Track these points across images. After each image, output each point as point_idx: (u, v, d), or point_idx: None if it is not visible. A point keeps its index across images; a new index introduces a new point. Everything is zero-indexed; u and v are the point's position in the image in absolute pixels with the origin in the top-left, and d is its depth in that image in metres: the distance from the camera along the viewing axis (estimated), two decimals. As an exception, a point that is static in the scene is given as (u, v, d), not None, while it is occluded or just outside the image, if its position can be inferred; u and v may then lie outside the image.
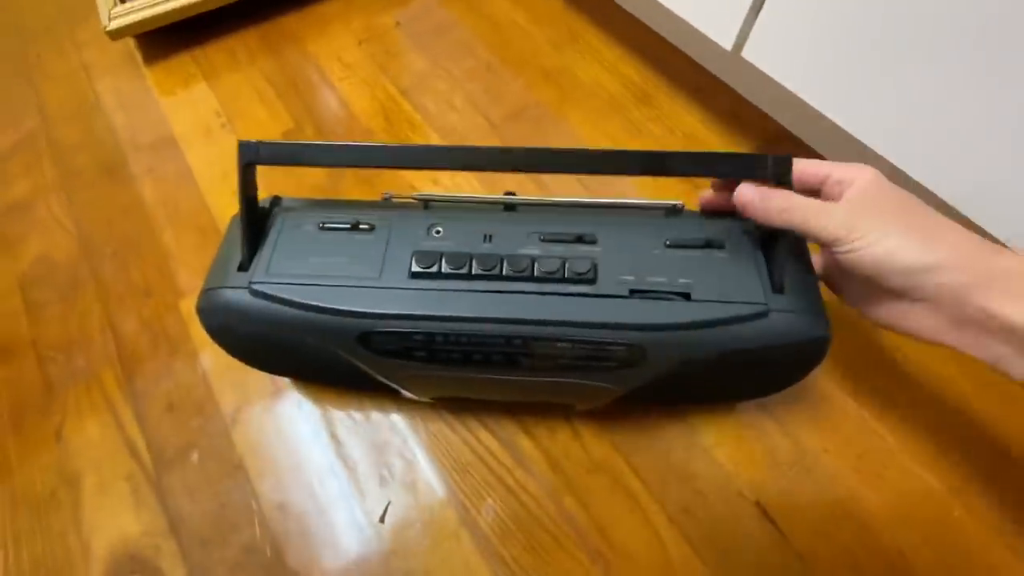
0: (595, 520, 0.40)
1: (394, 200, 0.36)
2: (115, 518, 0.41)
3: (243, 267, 0.32)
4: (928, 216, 0.28)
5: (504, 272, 0.30)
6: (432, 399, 0.42)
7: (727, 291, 0.30)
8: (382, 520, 0.40)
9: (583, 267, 0.30)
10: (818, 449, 0.41)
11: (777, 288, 0.30)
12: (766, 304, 0.29)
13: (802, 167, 0.31)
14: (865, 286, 0.30)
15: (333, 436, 0.43)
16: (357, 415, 0.44)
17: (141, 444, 0.44)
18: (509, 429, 0.43)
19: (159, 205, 0.57)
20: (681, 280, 0.30)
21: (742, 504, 0.40)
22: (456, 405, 0.44)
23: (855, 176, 0.29)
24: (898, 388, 0.44)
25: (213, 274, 0.34)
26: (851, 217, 0.28)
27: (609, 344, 0.30)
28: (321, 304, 0.31)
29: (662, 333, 0.29)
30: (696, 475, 0.41)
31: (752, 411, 0.43)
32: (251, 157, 0.31)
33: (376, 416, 0.44)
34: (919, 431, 0.42)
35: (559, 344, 0.30)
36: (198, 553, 0.39)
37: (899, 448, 0.41)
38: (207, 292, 0.33)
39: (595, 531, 0.39)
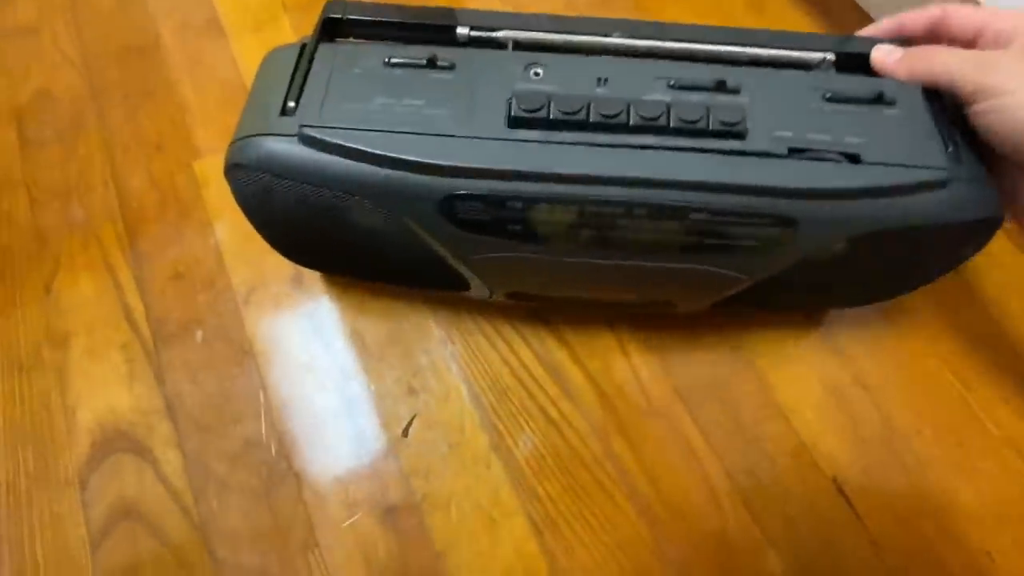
0: (646, 468, 0.35)
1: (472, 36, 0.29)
2: (105, 389, 0.36)
3: (287, 111, 0.26)
4: None
5: (631, 121, 0.24)
6: (505, 296, 0.34)
7: (903, 154, 0.25)
8: (405, 434, 0.35)
9: (732, 117, 0.24)
10: (911, 430, 0.36)
11: (952, 154, 0.25)
12: (947, 171, 0.24)
13: (954, 14, 0.27)
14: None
15: (357, 335, 0.38)
16: (387, 316, 0.39)
17: (140, 312, 0.38)
18: (558, 355, 0.38)
19: (179, 51, 0.49)
20: (848, 139, 0.25)
21: (816, 477, 0.35)
22: (500, 318, 0.38)
23: (1021, 25, 0.24)
24: (1016, 380, 0.38)
25: (247, 120, 0.27)
26: (1022, 66, 0.23)
27: (758, 215, 0.24)
28: (396, 155, 0.24)
29: (823, 203, 0.24)
30: (767, 437, 0.36)
31: (842, 376, 0.37)
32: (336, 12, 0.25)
33: (409, 320, 0.38)
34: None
35: (694, 215, 0.24)
36: (195, 439, 0.35)
37: (1005, 442, 0.36)
38: (240, 143, 0.26)
39: (645, 480, 0.34)
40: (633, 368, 0.37)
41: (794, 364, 0.38)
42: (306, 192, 0.26)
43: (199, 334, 0.37)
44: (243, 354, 0.37)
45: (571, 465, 0.35)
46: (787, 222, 0.25)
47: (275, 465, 0.34)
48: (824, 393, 0.37)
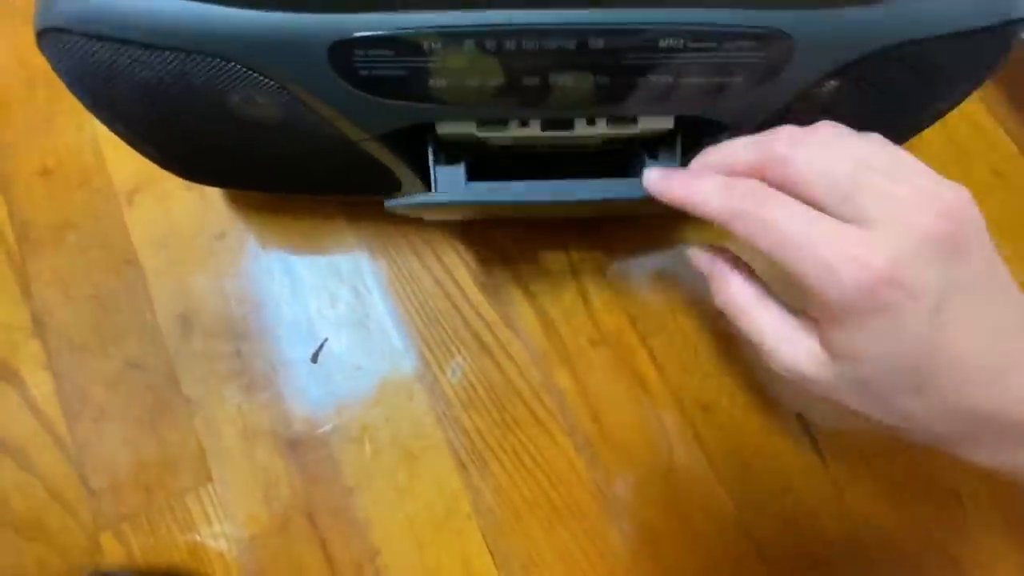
0: (589, 401, 0.31)
1: None
2: (-38, 300, 0.31)
3: None
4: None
5: None
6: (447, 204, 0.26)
7: None
8: (314, 359, 0.31)
9: None
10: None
11: None
12: None
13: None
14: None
15: (261, 245, 0.32)
16: (298, 224, 0.33)
17: (2, 212, 0.32)
18: (500, 276, 0.33)
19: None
20: None
21: (779, 414, 0.31)
22: (434, 232, 0.33)
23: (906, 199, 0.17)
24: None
25: None
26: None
27: (742, 35, 0.19)
28: None
29: (822, 11, 0.19)
30: (728, 372, 0.32)
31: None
32: None
33: (324, 230, 0.33)
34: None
35: (663, 40, 0.19)
36: (67, 359, 0.30)
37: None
38: None
39: (587, 414, 0.30)
40: (583, 292, 0.32)
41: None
42: (146, 59, 0.19)
43: (72, 238, 0.32)
44: (125, 264, 0.31)
45: (505, 397, 0.30)
46: (779, 40, 0.20)
47: (162, 390, 0.30)
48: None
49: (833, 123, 0.19)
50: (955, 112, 0.29)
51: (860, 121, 0.26)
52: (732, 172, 0.19)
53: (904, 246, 0.16)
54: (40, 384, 0.30)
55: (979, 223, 0.17)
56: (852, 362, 0.18)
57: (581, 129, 0.22)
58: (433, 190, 0.23)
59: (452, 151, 0.23)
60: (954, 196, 0.17)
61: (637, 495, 0.29)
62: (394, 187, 0.27)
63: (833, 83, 0.23)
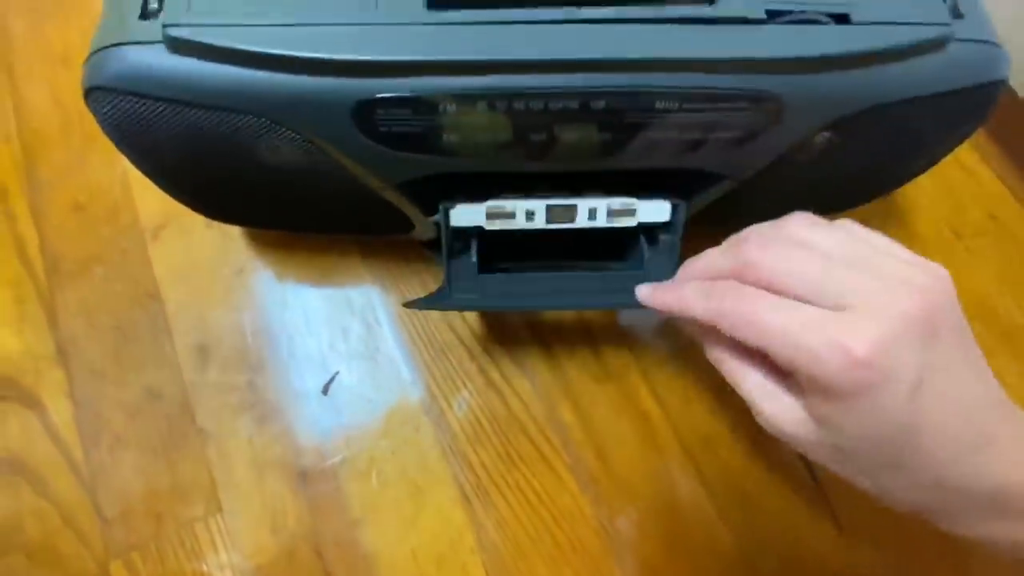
0: (593, 438, 0.31)
1: None
2: (-9, 329, 0.33)
3: (150, 12, 0.21)
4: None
5: None
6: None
7: (896, 10, 0.21)
8: (325, 392, 0.32)
9: None
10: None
11: (951, 6, 0.22)
12: (949, 26, 0.21)
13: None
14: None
15: (278, 281, 0.34)
16: (313, 260, 0.34)
17: (34, 246, 0.34)
18: (504, 312, 0.34)
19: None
20: None
21: (781, 451, 0.31)
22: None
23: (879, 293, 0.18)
24: (1000, 339, 0.34)
25: (103, 30, 0.22)
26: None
27: (735, 96, 0.20)
28: (290, 53, 0.19)
29: (810, 75, 0.20)
30: (730, 408, 0.32)
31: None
32: None
33: (339, 267, 0.34)
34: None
35: (660, 103, 0.20)
36: (89, 387, 0.31)
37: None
38: (95, 58, 0.21)
39: (591, 450, 0.31)
40: (587, 328, 0.33)
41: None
42: (183, 115, 0.21)
43: (99, 271, 0.33)
44: (148, 297, 0.33)
45: (509, 432, 0.31)
46: (770, 100, 0.21)
47: (177, 420, 0.31)
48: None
49: (802, 215, 0.20)
50: (950, 159, 0.31)
51: (855, 167, 0.28)
52: (714, 278, 0.20)
53: (884, 330, 0.17)
54: (61, 411, 0.31)
55: (953, 303, 0.18)
56: (835, 431, 0.18)
57: (582, 223, 0.25)
58: (447, 284, 0.26)
59: (464, 237, 0.26)
60: (928, 279, 0.18)
61: (640, 531, 0.30)
62: (407, 228, 0.29)
63: (826, 135, 0.24)
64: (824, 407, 0.18)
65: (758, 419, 0.21)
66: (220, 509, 0.29)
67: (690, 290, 0.21)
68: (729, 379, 0.21)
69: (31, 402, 0.31)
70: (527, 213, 0.24)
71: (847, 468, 0.19)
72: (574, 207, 0.24)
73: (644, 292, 0.23)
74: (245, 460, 0.30)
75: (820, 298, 0.18)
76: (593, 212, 0.24)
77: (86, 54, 0.22)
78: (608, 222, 0.25)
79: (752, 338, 0.19)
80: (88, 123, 0.37)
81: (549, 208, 0.24)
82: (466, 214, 0.24)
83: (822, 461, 0.20)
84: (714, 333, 0.22)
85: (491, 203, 0.24)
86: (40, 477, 0.30)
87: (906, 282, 0.17)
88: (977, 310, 0.34)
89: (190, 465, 0.30)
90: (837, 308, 0.17)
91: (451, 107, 0.20)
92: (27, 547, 0.29)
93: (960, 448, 0.18)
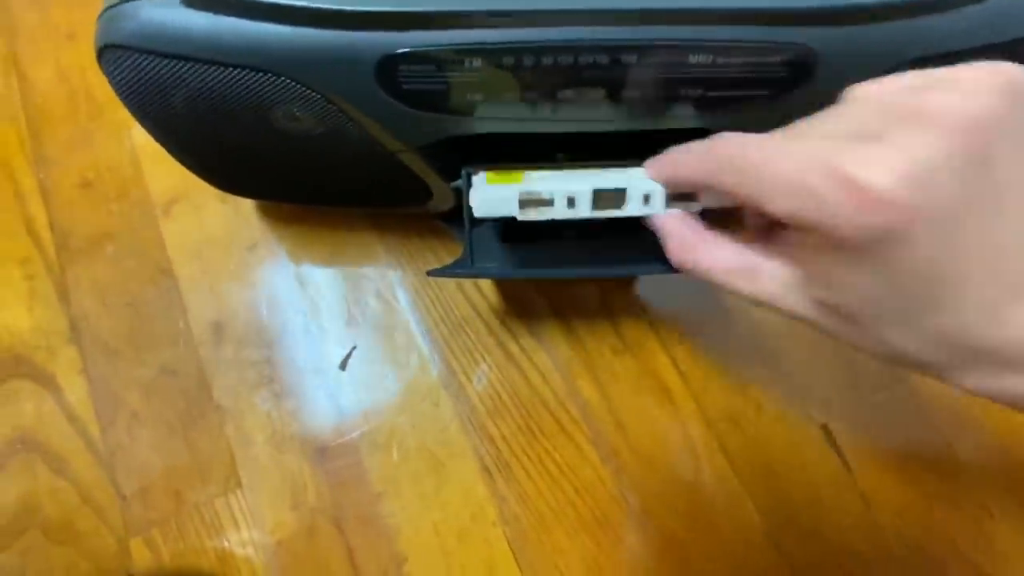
0: (614, 411, 0.31)
1: None
2: (1, 308, 0.32)
3: None
4: None
5: None
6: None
7: None
8: (343, 367, 0.31)
9: None
10: (917, 378, 0.32)
11: None
12: None
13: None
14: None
15: (292, 256, 0.33)
16: (328, 234, 0.34)
17: (43, 222, 0.33)
18: (522, 285, 0.33)
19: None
20: None
21: (804, 424, 0.31)
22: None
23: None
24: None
25: None
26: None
27: (771, 50, 0.20)
28: (312, 5, 0.19)
29: (847, 28, 0.19)
30: (753, 381, 0.32)
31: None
32: None
33: (350, 243, 0.33)
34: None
35: (693, 57, 0.20)
36: (102, 365, 0.31)
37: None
38: (108, 15, 0.20)
39: (612, 424, 0.31)
40: (605, 300, 0.33)
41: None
42: (200, 74, 0.20)
43: (110, 248, 0.33)
44: (160, 273, 0.32)
45: (530, 405, 0.31)
46: (806, 56, 0.20)
47: (195, 396, 0.30)
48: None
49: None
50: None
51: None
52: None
53: (917, 156, 0.13)
54: (75, 389, 0.30)
55: (1016, 111, 0.14)
56: (833, 289, 0.16)
57: (634, 209, 0.21)
58: (468, 252, 0.24)
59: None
60: (984, 77, 0.14)
61: (663, 504, 0.29)
62: (426, 197, 0.28)
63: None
64: (829, 264, 0.15)
65: (736, 295, 0.19)
66: (240, 485, 0.29)
67: (684, 151, 0.19)
68: (696, 272, 0.19)
69: (44, 380, 0.30)
70: (568, 200, 0.21)
71: (844, 329, 0.16)
72: (623, 192, 0.21)
73: (648, 172, 0.20)
74: (264, 436, 0.30)
75: (836, 131, 0.15)
76: (648, 198, 0.21)
77: (91, 27, 0.21)
78: (667, 209, 0.21)
79: (745, 187, 0.15)
80: (95, 99, 0.36)
81: (596, 193, 0.21)
82: (493, 202, 0.21)
83: (814, 325, 0.17)
84: (669, 226, 0.20)
85: (524, 188, 0.21)
86: (56, 455, 0.29)
87: (952, 88, 0.14)
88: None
89: (208, 442, 0.30)
90: (859, 138, 0.14)
91: (476, 62, 0.19)
92: (44, 525, 0.29)
93: (997, 301, 0.14)
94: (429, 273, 0.25)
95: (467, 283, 0.33)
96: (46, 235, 0.33)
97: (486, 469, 0.29)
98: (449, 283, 0.33)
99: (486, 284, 0.33)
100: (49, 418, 0.30)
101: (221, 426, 0.30)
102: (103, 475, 0.29)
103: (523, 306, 0.33)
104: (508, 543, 0.29)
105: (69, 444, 0.30)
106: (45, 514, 0.29)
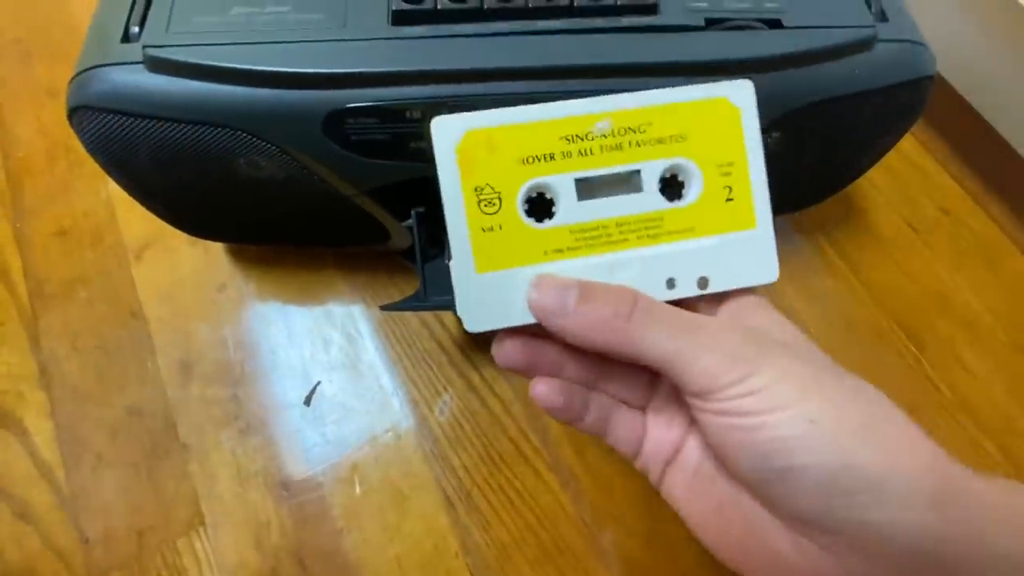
0: (572, 436, 0.32)
1: None
2: (-27, 354, 0.33)
3: (131, 36, 0.22)
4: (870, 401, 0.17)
5: (530, 3, 0.22)
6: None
7: (825, 15, 0.24)
8: (307, 402, 0.32)
9: None
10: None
11: (876, 10, 0.25)
12: (873, 28, 0.24)
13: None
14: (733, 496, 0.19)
15: (260, 296, 0.35)
16: (293, 275, 0.35)
17: (17, 269, 0.34)
18: (482, 318, 0.35)
19: (84, -5, 0.45)
20: (767, 4, 0.24)
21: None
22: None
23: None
24: (971, 338, 0.35)
25: (86, 53, 0.23)
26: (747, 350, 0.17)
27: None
28: (261, 68, 0.21)
29: (752, 77, 0.21)
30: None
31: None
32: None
33: (316, 281, 0.35)
34: None
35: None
36: (70, 408, 0.31)
37: (959, 406, 0.34)
38: (78, 80, 0.22)
39: (570, 450, 0.31)
40: (564, 330, 0.34)
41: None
42: (164, 131, 0.22)
43: (83, 294, 0.34)
44: (131, 316, 0.33)
45: (491, 433, 0.32)
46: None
47: (160, 435, 0.31)
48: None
49: None
50: (899, 156, 0.32)
51: (803, 164, 0.29)
52: None
53: None
54: (42, 433, 0.31)
55: None
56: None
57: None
58: (422, 286, 0.26)
59: (437, 241, 0.25)
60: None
61: (622, 528, 0.30)
62: (385, 236, 0.30)
63: (774, 135, 0.26)
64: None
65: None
66: (203, 523, 0.29)
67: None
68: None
69: (12, 424, 0.31)
70: None
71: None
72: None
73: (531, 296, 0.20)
74: (228, 473, 0.30)
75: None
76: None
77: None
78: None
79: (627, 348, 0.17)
80: (74, 150, 0.38)
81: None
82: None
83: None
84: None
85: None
86: (20, 500, 0.29)
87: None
88: (936, 301, 0.36)
89: (173, 480, 0.30)
90: None
91: (415, 115, 0.21)
92: (7, 571, 0.29)
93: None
94: (383, 307, 0.26)
95: (429, 316, 0.35)
96: (20, 282, 0.34)
97: (448, 500, 0.30)
98: (412, 317, 0.34)
99: (448, 317, 0.34)
100: (15, 463, 0.30)
101: (186, 464, 0.30)
102: (66, 518, 0.29)
103: (485, 339, 0.34)
104: (470, 574, 0.29)
105: (34, 488, 0.30)
106: (6, 560, 0.29)
